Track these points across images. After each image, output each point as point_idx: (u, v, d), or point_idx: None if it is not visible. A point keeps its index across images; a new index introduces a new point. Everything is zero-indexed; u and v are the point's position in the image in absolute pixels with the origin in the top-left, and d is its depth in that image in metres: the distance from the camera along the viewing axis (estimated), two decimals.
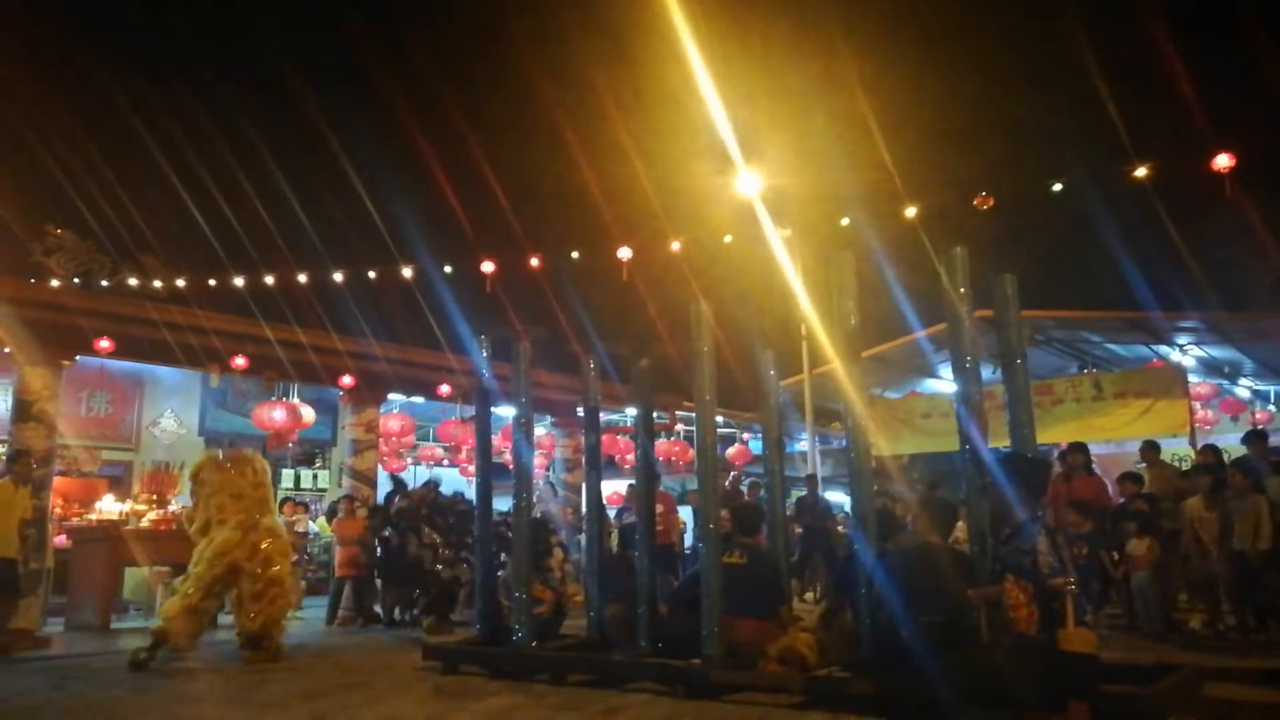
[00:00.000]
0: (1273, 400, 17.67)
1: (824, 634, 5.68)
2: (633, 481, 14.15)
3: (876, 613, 5.08)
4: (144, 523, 10.78)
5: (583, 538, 10.79)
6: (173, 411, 13.85)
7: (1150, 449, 9.65)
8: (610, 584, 7.06)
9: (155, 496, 11.57)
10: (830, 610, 5.97)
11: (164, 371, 12.84)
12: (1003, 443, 5.53)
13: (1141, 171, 9.03)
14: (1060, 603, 4.05)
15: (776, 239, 12.44)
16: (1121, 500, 8.82)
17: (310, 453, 15.45)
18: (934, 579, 4.79)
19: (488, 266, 11.66)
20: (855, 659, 5.25)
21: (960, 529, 5.91)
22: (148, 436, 13.56)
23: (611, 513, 13.03)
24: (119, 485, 12.69)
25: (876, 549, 5.34)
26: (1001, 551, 4.39)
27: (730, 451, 18.40)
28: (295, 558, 11.44)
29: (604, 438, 15.46)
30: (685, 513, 13.74)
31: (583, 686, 6.01)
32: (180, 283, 11.88)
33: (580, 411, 15.26)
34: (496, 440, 11.40)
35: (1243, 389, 17.16)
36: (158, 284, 11.83)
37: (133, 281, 11.63)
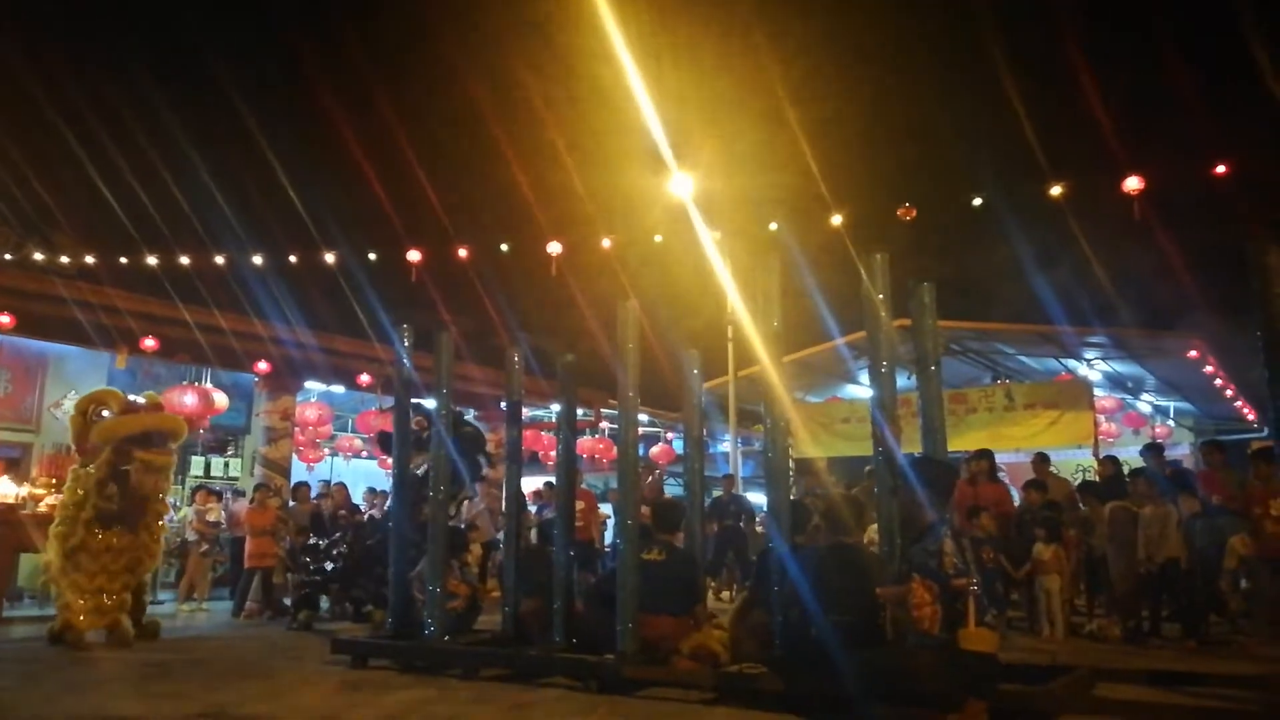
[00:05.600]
0: (1172, 415, 18.49)
1: (737, 630, 5.74)
2: (553, 478, 14.12)
3: (788, 610, 5.16)
4: (42, 507, 10.32)
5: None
6: (77, 393, 13.27)
7: (1041, 461, 10.02)
8: (527, 579, 7.03)
9: (55, 480, 11.10)
10: (745, 607, 6.03)
11: (69, 351, 12.34)
12: (915, 448, 5.68)
13: (1056, 190, 9.34)
14: (963, 602, 4.16)
15: (707, 241, 12.55)
16: (1022, 507, 9.15)
17: (222, 440, 15.01)
18: (845, 578, 4.88)
19: (414, 255, 11.49)
20: (767, 656, 5.32)
21: (872, 529, 6.04)
22: (49, 418, 12.99)
23: (533, 509, 12.97)
24: (16, 468, 12.13)
25: (790, 546, 5.43)
26: (910, 552, 4.50)
27: (654, 450, 18.50)
28: (205, 548, 11.19)
29: (528, 433, 15.44)
30: (607, 509, 13.78)
31: (495, 681, 5.96)
32: (90, 260, 11.44)
33: (504, 405, 15.16)
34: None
35: (1144, 404, 17.91)
36: (65, 260, 11.36)
37: (39, 256, 11.15)
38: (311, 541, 10.09)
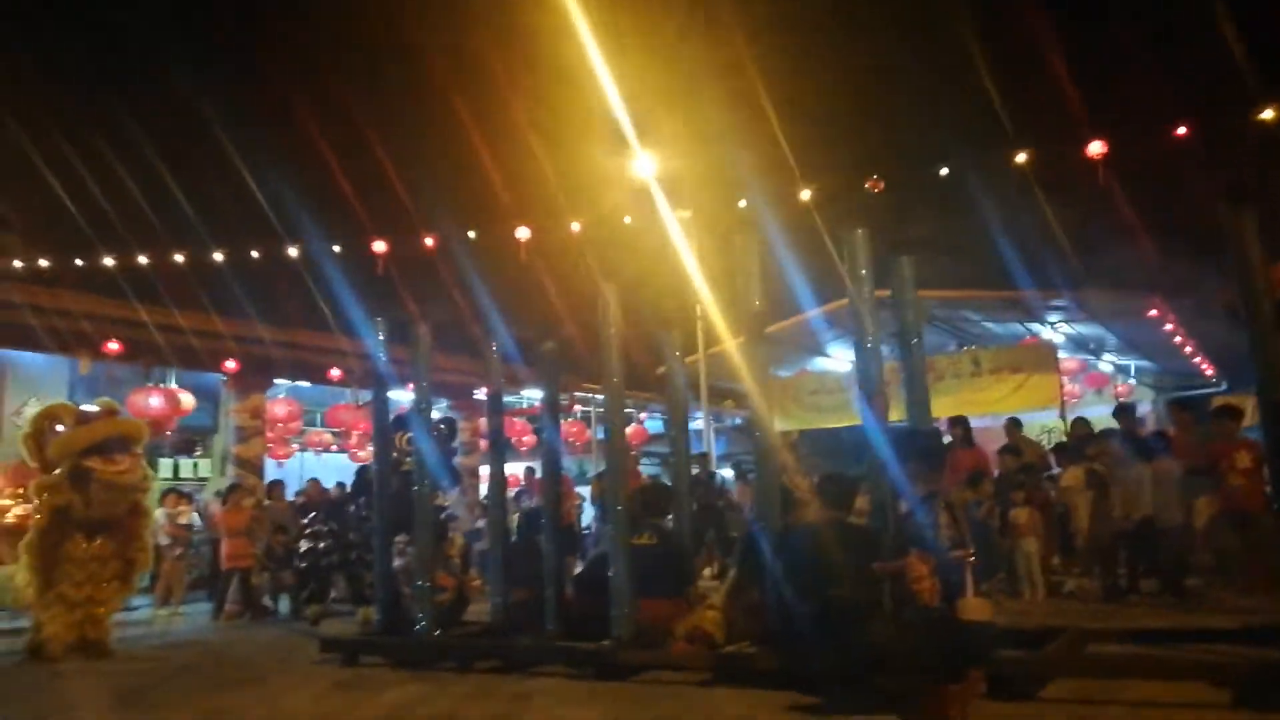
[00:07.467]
0: (1133, 374, 18.82)
1: (731, 611, 5.76)
2: (530, 464, 14.08)
3: (783, 588, 5.18)
4: (8, 519, 10.10)
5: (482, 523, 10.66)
6: (38, 400, 12.96)
7: (1014, 425, 10.17)
8: (515, 569, 7.00)
9: (20, 491, 10.84)
10: (736, 586, 6.05)
11: (29, 357, 12.03)
12: (897, 418, 5.73)
13: (1022, 157, 9.38)
14: (960, 574, 4.21)
15: (674, 221, 12.49)
16: (998, 472, 9.29)
17: (190, 440, 14.74)
18: (839, 554, 4.91)
19: (380, 246, 11.30)
20: (762, 634, 5.35)
21: (861, 502, 6.08)
22: (10, 427, 12.68)
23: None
24: None
25: (779, 525, 5.45)
26: (905, 525, 4.54)
27: (627, 431, 18.46)
28: (179, 551, 11.01)
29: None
30: (581, 492, 13.80)
31: (488, 673, 5.94)
32: (44, 263, 11.10)
33: (477, 394, 15.07)
34: None
35: (1105, 364, 18.21)
36: (18, 264, 11.03)
37: None
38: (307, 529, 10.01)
